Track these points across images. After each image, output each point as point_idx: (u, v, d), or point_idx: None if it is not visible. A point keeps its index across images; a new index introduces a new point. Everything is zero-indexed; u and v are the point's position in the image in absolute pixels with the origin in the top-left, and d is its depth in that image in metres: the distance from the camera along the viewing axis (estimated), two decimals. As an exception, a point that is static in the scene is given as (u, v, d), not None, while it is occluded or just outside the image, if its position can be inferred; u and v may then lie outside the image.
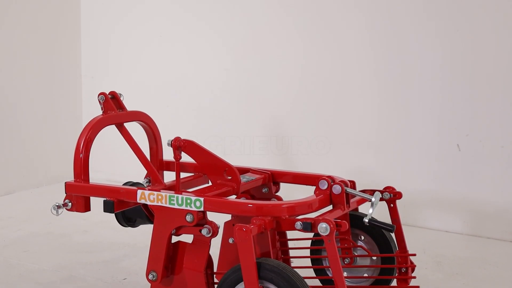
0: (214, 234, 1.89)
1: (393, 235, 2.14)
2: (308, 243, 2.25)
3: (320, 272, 2.23)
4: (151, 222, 2.10)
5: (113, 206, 2.00)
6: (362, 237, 2.17)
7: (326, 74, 3.34)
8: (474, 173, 3.02)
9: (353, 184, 2.07)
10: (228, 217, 2.05)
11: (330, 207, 1.95)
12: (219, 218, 2.03)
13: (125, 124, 2.21)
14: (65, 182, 2.06)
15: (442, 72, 3.05)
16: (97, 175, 3.80)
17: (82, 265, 2.60)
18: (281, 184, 2.26)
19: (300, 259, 2.21)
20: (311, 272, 2.22)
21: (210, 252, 1.93)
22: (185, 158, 2.09)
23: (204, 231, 1.89)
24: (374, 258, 2.15)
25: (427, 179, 3.12)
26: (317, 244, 2.23)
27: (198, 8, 3.71)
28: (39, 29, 3.89)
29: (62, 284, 2.41)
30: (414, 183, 3.14)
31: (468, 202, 3.04)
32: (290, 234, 2.15)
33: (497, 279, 2.50)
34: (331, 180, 1.95)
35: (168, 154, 2.23)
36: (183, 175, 2.23)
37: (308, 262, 2.25)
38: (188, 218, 1.88)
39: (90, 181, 2.08)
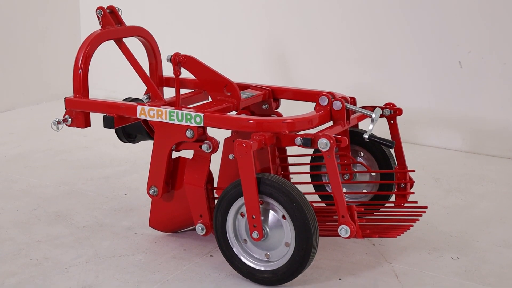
0: (214, 149, 1.90)
1: (392, 151, 2.15)
2: (308, 160, 2.26)
3: (319, 188, 2.26)
4: (151, 138, 2.10)
5: (113, 121, 2.00)
6: (362, 153, 2.18)
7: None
8: (475, 91, 3.01)
9: (353, 101, 2.06)
10: (228, 133, 2.06)
11: (330, 123, 1.96)
12: (219, 134, 2.03)
13: (124, 40, 2.19)
14: (65, 98, 2.06)
15: (445, -13, 3.01)
16: (98, 92, 3.79)
17: (83, 181, 2.63)
18: (281, 101, 2.26)
19: (300, 175, 2.23)
20: (310, 188, 2.25)
21: (210, 169, 1.94)
22: (185, 74, 2.08)
23: (204, 147, 1.89)
24: (373, 174, 2.17)
25: (428, 97, 3.11)
26: (317, 160, 2.24)
27: None
28: None
29: (64, 199, 2.43)
30: (414, 100, 3.13)
31: (468, 119, 3.04)
32: (290, 150, 2.16)
33: (495, 195, 2.52)
34: (332, 96, 1.95)
35: (167, 70, 2.22)
36: (183, 91, 2.22)
37: (307, 178, 2.27)
38: (188, 133, 1.89)
39: (90, 97, 2.08)
